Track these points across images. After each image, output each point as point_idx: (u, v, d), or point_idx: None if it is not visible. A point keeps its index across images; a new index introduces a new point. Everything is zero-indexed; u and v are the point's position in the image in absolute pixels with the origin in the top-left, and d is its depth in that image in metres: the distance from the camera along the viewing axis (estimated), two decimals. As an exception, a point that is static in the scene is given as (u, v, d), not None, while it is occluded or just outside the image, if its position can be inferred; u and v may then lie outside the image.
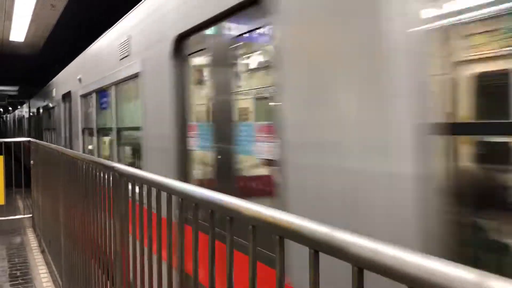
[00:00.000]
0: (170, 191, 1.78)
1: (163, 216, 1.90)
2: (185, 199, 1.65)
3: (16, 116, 25.79)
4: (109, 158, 6.09)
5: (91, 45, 7.44)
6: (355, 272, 0.94)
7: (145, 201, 2.09)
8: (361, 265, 0.92)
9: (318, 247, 1.02)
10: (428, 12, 1.56)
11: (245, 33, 2.86)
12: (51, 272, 5.60)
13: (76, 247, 3.82)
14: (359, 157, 1.77)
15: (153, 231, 2.02)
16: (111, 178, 2.68)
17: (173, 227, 1.82)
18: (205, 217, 1.56)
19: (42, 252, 6.47)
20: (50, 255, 5.71)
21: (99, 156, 6.73)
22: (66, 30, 11.29)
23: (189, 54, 3.60)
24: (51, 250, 5.62)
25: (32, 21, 9.47)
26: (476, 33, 1.51)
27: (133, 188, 2.27)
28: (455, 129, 1.50)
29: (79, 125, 8.18)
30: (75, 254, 3.83)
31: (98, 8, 11.28)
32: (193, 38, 3.50)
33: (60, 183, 4.52)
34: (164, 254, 1.88)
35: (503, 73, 1.44)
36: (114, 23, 5.86)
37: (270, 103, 2.61)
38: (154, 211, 1.97)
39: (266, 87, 2.75)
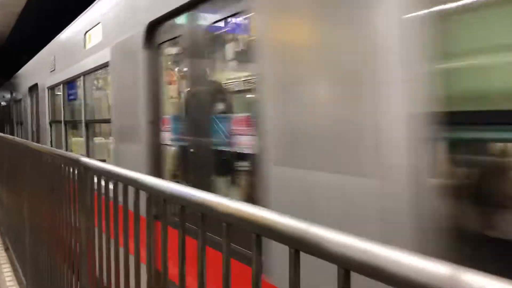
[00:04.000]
0: (138, 185, 1.66)
1: (130, 211, 1.78)
2: (154, 194, 1.54)
3: None
4: (77, 152, 5.91)
5: (59, 34, 7.15)
6: (341, 274, 0.85)
7: (112, 195, 1.97)
8: (348, 267, 0.83)
9: (298, 246, 0.93)
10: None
11: (221, 20, 2.73)
12: (15, 271, 5.37)
13: (41, 244, 3.65)
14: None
15: (120, 226, 1.91)
16: (76, 172, 2.54)
17: (142, 223, 1.71)
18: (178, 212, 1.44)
19: (6, 250, 6.21)
20: (15, 253, 5.48)
21: (67, 150, 6.49)
22: (32, 19, 10.88)
23: (162, 43, 3.44)
24: (16, 248, 5.39)
25: (-4, 9, 9.09)
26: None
27: (99, 182, 2.17)
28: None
29: (47, 118, 7.89)
30: (41, 252, 3.66)
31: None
32: (166, 26, 3.35)
33: (25, 178, 4.33)
34: (134, 250, 1.77)
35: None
36: (84, 11, 5.64)
37: (248, 95, 2.51)
38: (123, 206, 1.86)
39: (244, 78, 2.65)
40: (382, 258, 0.76)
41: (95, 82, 5.63)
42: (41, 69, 8.27)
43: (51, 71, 7.42)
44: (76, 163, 2.53)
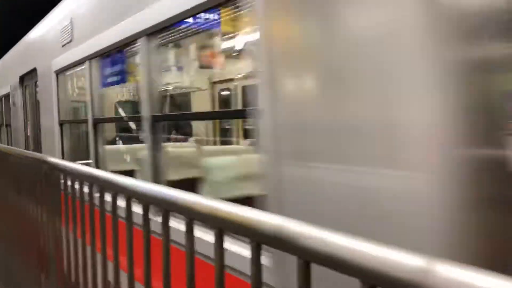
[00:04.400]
0: (103, 184, 1.63)
1: (96, 209, 1.75)
2: (119, 192, 1.51)
3: None
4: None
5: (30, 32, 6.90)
6: (301, 265, 0.84)
7: (79, 195, 1.94)
8: (309, 258, 0.82)
9: (258, 238, 0.93)
10: None
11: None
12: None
13: (10, 245, 3.57)
14: None
15: (87, 226, 1.88)
16: (42, 172, 2.49)
17: (107, 222, 1.68)
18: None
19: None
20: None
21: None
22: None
23: None
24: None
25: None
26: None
27: (65, 182, 2.14)
28: None
29: (55, 117, 6.69)
30: (10, 253, 3.58)
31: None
32: None
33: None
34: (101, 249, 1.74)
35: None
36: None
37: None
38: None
39: None
40: (344, 249, 0.74)
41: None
42: (43, 48, 5.89)
43: (65, 44, 4.82)
44: (42, 163, 2.48)
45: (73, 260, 2.09)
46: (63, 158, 4.99)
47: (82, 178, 1.90)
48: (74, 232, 2.03)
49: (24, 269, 3.09)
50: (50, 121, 5.32)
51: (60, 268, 2.32)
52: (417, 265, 0.64)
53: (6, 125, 9.21)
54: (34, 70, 6.12)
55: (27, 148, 6.98)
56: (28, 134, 7.00)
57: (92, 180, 1.75)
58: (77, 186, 1.97)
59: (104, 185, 1.64)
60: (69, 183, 2.08)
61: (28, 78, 6.69)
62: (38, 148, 6.17)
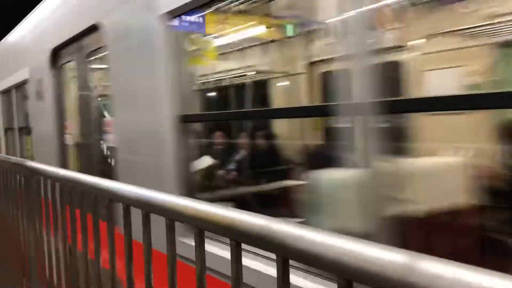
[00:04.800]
0: (83, 187, 1.62)
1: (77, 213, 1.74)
2: (98, 195, 1.51)
3: None
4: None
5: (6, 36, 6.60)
6: (279, 262, 0.86)
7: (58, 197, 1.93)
8: (287, 255, 0.84)
9: (239, 237, 0.94)
10: None
11: None
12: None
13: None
14: None
15: (68, 228, 1.88)
16: (22, 177, 2.47)
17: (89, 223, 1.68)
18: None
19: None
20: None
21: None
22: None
23: None
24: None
25: None
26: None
27: (45, 185, 2.13)
28: None
29: None
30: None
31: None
32: None
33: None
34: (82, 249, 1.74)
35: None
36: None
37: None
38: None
39: None
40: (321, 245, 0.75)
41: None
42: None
43: None
44: (22, 167, 2.46)
45: (54, 263, 2.07)
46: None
47: (63, 181, 1.89)
48: (55, 236, 2.02)
49: (5, 273, 3.05)
50: (148, 116, 2.83)
51: (42, 272, 2.31)
52: (400, 262, 0.64)
53: (21, 129, 6.25)
54: (92, 29, 3.40)
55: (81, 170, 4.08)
56: (71, 143, 4.39)
57: (73, 184, 1.74)
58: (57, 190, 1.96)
59: (85, 189, 1.63)
60: (49, 187, 2.07)
61: (73, 50, 4.02)
62: (109, 171, 3.55)
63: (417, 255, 0.64)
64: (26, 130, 5.95)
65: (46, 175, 2.11)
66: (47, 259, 2.19)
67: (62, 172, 1.93)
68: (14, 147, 6.57)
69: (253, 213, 0.94)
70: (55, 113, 4.45)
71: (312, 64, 5.38)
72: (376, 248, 0.69)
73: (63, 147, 4.43)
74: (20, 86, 5.84)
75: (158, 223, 1.21)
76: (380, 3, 2.09)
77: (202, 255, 1.07)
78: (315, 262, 0.77)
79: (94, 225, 1.57)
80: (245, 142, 5.32)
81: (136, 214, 1.28)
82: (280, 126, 5.57)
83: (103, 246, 1.54)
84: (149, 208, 1.23)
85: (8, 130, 6.93)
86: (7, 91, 6.61)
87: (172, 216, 1.13)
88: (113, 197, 1.41)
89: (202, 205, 1.04)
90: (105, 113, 3.78)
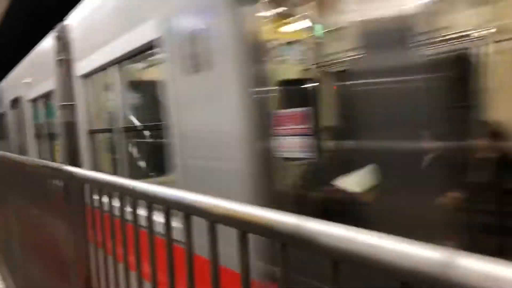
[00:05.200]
0: (124, 192, 1.63)
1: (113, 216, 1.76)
2: (139, 199, 1.52)
3: None
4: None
5: (39, 43, 6.78)
6: (331, 267, 0.83)
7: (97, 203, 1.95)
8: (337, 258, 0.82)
9: (288, 240, 0.92)
10: None
11: None
12: (8, 287, 5.29)
13: (31, 258, 3.60)
14: None
15: (107, 235, 1.89)
16: (61, 182, 2.51)
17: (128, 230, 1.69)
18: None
19: (-3, 265, 6.11)
20: (7, 267, 5.40)
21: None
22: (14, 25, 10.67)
23: None
24: (7, 261, 5.31)
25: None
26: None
27: (83, 191, 2.16)
28: None
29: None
30: (31, 266, 3.61)
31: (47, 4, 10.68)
32: None
33: (10, 190, 4.26)
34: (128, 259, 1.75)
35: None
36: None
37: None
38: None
39: None
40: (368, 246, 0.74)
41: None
42: None
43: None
44: (60, 172, 2.49)
45: (93, 268, 2.10)
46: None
47: (101, 186, 1.91)
48: (95, 244, 2.05)
49: (45, 278, 3.12)
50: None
51: (82, 277, 2.34)
52: (438, 259, 0.64)
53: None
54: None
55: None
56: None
57: (112, 188, 1.76)
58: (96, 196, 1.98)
59: (123, 192, 1.64)
60: (88, 192, 2.10)
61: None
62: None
63: (456, 253, 0.63)
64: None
65: (84, 180, 2.14)
66: (87, 266, 2.22)
67: (100, 176, 1.95)
68: None
69: (298, 215, 0.91)
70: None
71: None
72: (415, 246, 0.69)
73: None
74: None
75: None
76: None
77: (245, 258, 1.05)
78: (370, 265, 0.74)
79: (134, 230, 1.58)
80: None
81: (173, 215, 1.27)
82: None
83: (144, 253, 1.54)
84: (189, 211, 1.22)
85: None
86: None
87: (213, 218, 1.11)
88: (153, 200, 1.41)
89: (244, 207, 1.02)
90: None
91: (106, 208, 1.89)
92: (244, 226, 1.01)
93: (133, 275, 1.63)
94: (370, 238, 0.75)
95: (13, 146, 9.04)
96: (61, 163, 4.37)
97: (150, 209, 1.45)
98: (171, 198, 1.30)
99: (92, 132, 4.56)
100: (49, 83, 5.40)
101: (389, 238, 0.73)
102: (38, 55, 6.42)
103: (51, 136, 6.35)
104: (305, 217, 0.88)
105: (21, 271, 4.16)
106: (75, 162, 4.64)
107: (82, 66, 4.44)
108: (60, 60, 4.80)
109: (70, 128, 4.91)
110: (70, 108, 4.88)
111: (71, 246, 2.46)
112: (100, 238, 2.00)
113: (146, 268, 1.51)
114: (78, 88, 4.65)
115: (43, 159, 6.04)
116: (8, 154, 4.15)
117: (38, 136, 7.23)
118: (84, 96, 4.58)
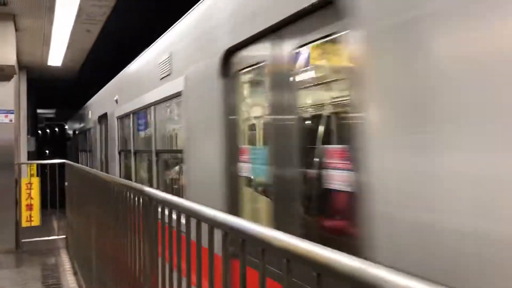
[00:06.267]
0: (200, 217, 1.72)
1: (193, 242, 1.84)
2: (215, 227, 1.59)
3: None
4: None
5: (127, 66, 7.30)
6: None
7: (174, 225, 2.05)
8: None
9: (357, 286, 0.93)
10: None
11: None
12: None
13: (107, 270, 3.80)
14: None
15: (183, 257, 1.98)
16: (141, 201, 2.66)
17: (203, 254, 1.76)
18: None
19: (75, 274, 6.51)
20: (83, 277, 5.73)
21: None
22: (101, 54, 11.60)
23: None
24: (84, 273, 5.63)
25: (68, 46, 9.69)
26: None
27: (163, 212, 2.28)
28: None
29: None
30: (107, 278, 3.81)
31: (133, 30, 11.51)
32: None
33: (93, 205, 4.55)
34: (194, 278, 1.82)
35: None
36: (150, 44, 5.76)
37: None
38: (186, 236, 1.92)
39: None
40: None
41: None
42: None
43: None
44: (141, 192, 2.65)
45: (160, 280, 2.21)
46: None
47: (179, 209, 2.01)
48: (170, 263, 2.14)
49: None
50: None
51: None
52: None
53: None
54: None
55: (101, 168, 7.34)
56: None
57: (190, 213, 1.85)
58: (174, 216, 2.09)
59: (201, 219, 1.72)
60: (166, 213, 2.23)
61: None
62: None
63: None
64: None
65: (163, 203, 2.26)
66: (160, 285, 2.31)
67: (178, 200, 2.05)
68: None
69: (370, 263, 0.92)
70: None
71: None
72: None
73: None
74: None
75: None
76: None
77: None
78: None
79: (209, 256, 1.65)
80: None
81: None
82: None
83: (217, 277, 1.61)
84: (264, 246, 1.26)
85: None
86: None
87: (288, 256, 1.15)
88: (229, 231, 1.47)
89: (320, 249, 1.05)
90: None
91: (180, 231, 1.99)
92: (319, 268, 1.03)
93: None
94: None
95: (97, 161, 9.69)
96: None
97: (225, 239, 1.51)
98: (246, 229, 1.35)
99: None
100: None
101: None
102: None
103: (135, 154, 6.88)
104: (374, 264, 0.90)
105: (97, 285, 4.40)
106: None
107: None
108: None
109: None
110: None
111: (147, 260, 2.58)
112: (167, 252, 2.12)
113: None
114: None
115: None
116: (99, 173, 4.45)
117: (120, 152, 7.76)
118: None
